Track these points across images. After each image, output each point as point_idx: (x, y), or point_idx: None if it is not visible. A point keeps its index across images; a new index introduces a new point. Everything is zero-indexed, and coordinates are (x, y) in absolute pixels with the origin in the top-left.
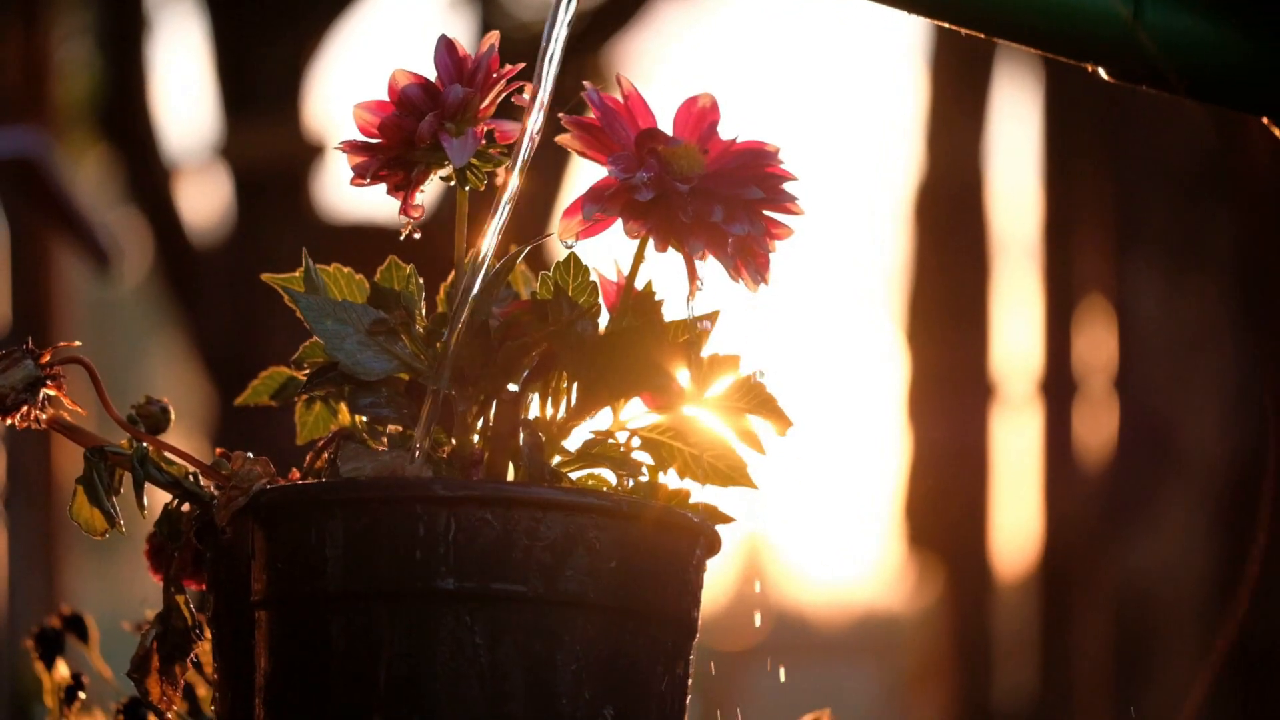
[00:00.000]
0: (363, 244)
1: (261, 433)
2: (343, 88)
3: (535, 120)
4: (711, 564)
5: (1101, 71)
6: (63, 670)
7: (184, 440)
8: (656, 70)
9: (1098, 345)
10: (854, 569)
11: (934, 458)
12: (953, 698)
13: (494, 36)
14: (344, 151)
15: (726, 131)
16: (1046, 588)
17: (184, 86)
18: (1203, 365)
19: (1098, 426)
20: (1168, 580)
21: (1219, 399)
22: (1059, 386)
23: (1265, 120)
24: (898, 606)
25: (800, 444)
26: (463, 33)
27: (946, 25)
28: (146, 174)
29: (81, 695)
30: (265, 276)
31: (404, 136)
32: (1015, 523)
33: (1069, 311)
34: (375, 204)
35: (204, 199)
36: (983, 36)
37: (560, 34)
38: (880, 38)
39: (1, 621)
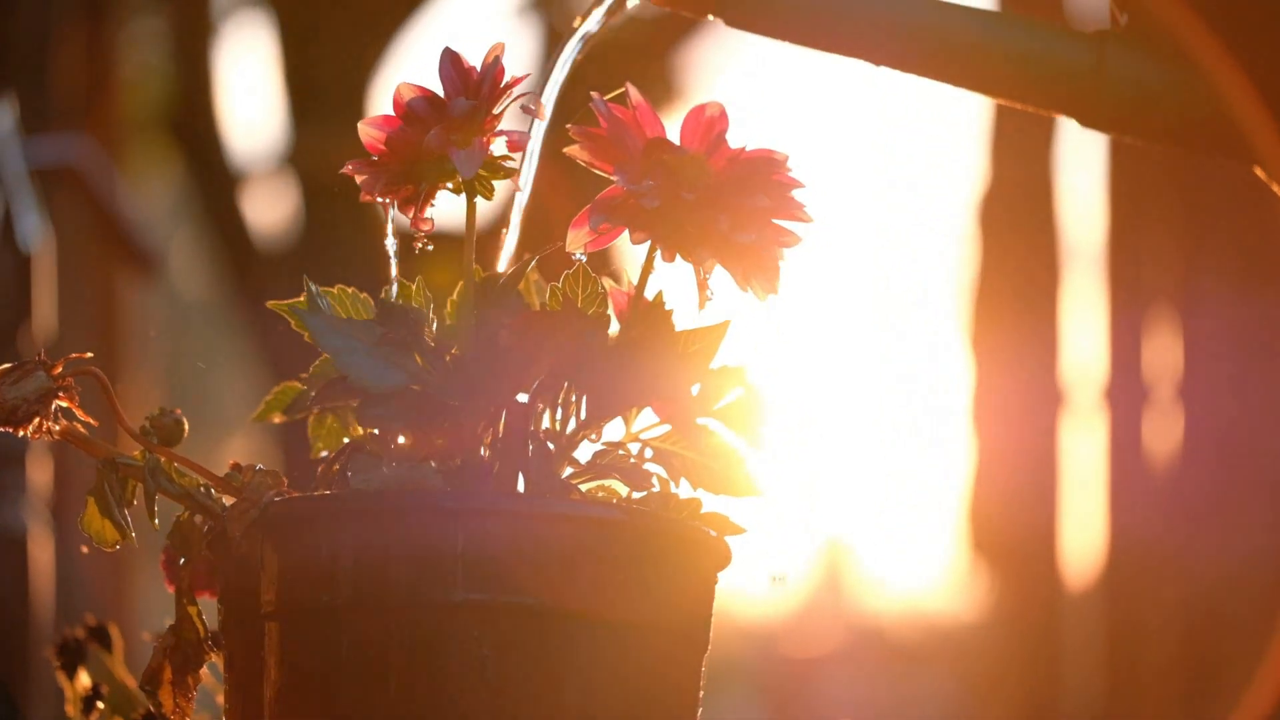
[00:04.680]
0: (431, 250)
1: None
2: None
3: (537, 136)
4: (786, 571)
5: (1073, 121)
6: (84, 680)
7: (254, 450)
8: (718, 79)
9: (1165, 352)
10: (924, 576)
11: (1001, 465)
12: (1020, 705)
13: (499, 48)
14: (351, 172)
15: (736, 140)
16: (1114, 595)
17: (251, 93)
18: (1270, 373)
19: (1165, 434)
20: (1236, 588)
21: None
22: (1126, 394)
23: (1258, 170)
24: (966, 614)
25: (868, 451)
26: (529, 38)
27: (919, 78)
28: (214, 181)
29: (100, 705)
30: (270, 304)
31: (411, 150)
32: (1082, 530)
33: (1137, 318)
34: (442, 211)
35: (271, 206)
36: (952, 88)
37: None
38: None
39: (46, 631)
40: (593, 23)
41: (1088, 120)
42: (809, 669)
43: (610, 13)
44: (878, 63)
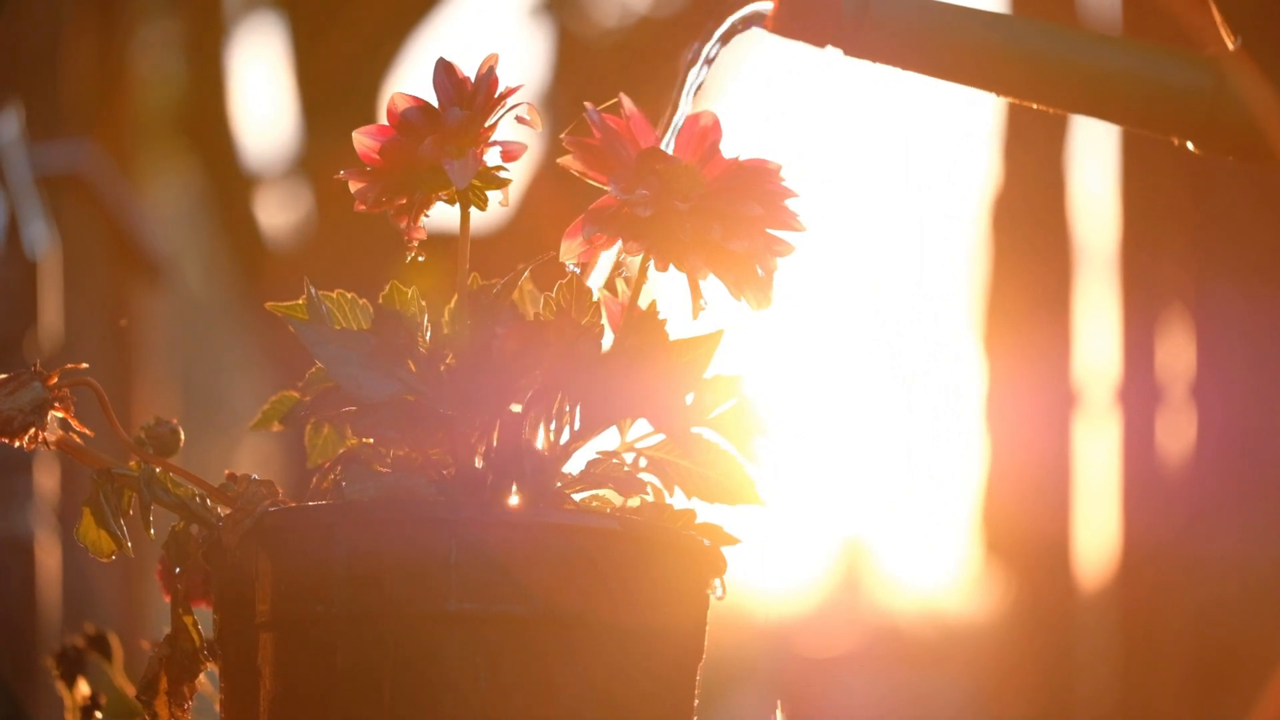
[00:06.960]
0: (442, 253)
1: None
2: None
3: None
4: (803, 571)
5: (1190, 145)
6: (83, 689)
7: (267, 457)
8: (728, 80)
9: (1179, 353)
10: (939, 576)
11: (1015, 466)
12: (1035, 705)
13: (494, 58)
14: (345, 180)
15: (730, 149)
16: (1128, 596)
17: (262, 98)
18: None
19: (1179, 435)
20: (1250, 589)
21: None
22: (1140, 394)
23: None
24: (981, 614)
25: (883, 452)
26: (542, 40)
27: (1037, 106)
28: (224, 187)
29: (98, 715)
30: (269, 305)
31: (405, 160)
32: (1096, 531)
33: (1150, 319)
34: (453, 213)
35: (283, 211)
36: (1070, 115)
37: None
38: None
39: (53, 637)
40: (712, 47)
41: (1207, 144)
42: (825, 668)
43: (725, 38)
44: (999, 92)
